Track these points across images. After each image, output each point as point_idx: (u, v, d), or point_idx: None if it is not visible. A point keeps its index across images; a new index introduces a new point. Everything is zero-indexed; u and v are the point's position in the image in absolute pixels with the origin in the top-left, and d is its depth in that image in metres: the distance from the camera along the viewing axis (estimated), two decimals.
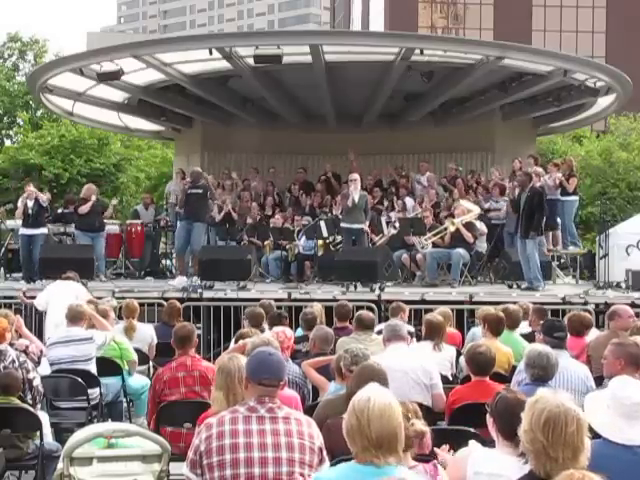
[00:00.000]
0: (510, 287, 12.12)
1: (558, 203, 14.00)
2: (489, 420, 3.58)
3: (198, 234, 12.61)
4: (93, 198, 13.16)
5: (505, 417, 3.46)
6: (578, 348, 6.49)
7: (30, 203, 12.67)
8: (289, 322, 7.71)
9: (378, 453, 2.95)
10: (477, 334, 7.18)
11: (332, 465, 3.43)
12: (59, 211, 14.83)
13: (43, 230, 12.89)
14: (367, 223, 12.89)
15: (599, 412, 3.52)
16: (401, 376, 5.38)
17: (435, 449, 3.91)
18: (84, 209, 13.05)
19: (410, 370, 5.55)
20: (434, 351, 6.42)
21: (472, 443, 3.70)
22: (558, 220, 14.10)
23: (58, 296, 8.98)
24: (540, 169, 13.57)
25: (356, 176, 12.87)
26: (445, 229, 12.39)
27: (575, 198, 14.57)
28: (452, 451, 3.90)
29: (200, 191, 12.51)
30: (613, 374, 4.61)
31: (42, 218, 12.85)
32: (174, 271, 13.79)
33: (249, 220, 14.55)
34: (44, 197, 12.92)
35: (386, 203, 14.64)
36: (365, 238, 12.89)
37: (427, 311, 8.25)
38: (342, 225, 12.83)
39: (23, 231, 12.79)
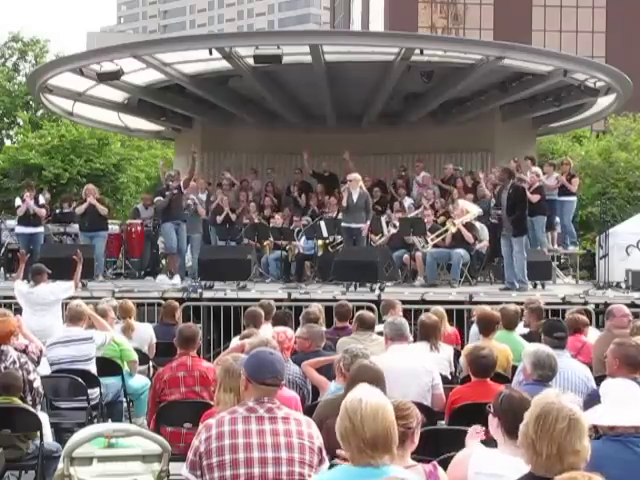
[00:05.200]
0: None
1: (557, 203, 14.02)
2: (492, 420, 3.57)
3: (165, 235, 12.83)
4: (89, 199, 13.18)
5: (510, 415, 3.46)
6: (574, 349, 6.49)
7: (31, 203, 12.86)
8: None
9: (374, 454, 2.94)
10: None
11: (331, 465, 3.43)
12: (57, 211, 14.86)
13: (42, 229, 13.13)
14: (368, 223, 12.83)
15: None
16: (402, 376, 5.37)
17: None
18: (80, 209, 13.18)
19: (411, 370, 5.54)
20: (432, 351, 6.40)
21: (474, 443, 3.70)
22: (557, 220, 14.11)
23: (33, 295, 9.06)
24: (539, 169, 13.61)
25: (354, 176, 12.76)
26: (446, 230, 12.39)
27: (574, 198, 14.59)
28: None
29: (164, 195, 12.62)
30: (611, 373, 4.64)
31: (39, 218, 13.05)
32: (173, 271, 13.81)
33: (246, 220, 14.52)
34: (42, 198, 13.13)
35: (388, 211, 14.58)
36: (364, 238, 12.87)
37: (427, 311, 8.23)
38: (342, 225, 12.80)
39: (23, 230, 12.88)
